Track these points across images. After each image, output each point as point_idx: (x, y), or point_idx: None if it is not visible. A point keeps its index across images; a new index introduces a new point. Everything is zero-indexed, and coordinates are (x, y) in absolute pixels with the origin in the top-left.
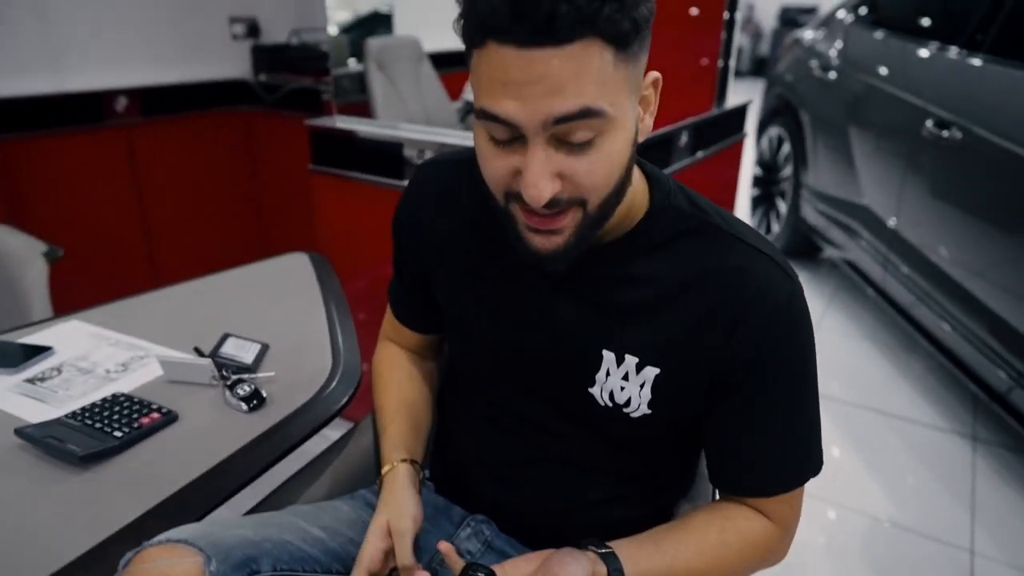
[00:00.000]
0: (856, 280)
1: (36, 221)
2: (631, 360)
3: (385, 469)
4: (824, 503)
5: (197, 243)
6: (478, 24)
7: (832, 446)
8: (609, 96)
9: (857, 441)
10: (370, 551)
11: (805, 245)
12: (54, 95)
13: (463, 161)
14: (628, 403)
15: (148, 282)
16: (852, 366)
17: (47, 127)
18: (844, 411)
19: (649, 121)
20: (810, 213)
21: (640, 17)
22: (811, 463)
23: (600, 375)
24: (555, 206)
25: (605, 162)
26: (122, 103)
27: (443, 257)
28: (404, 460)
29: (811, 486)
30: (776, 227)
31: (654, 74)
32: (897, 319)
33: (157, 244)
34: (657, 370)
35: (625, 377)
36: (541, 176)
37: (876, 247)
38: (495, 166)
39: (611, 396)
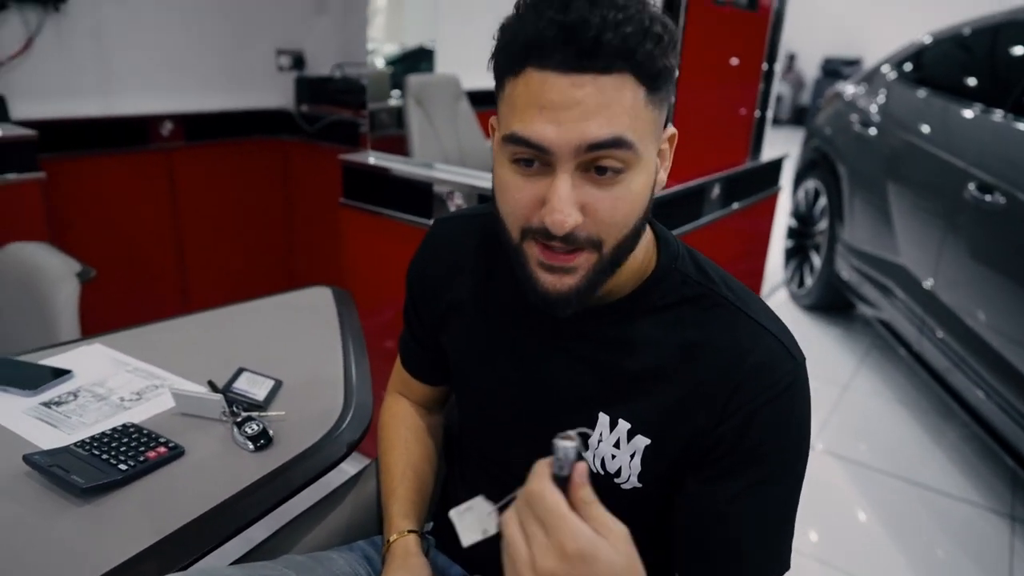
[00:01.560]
0: (890, 340)
1: (74, 240)
2: (623, 426)
3: (393, 538)
4: (846, 574)
5: (228, 269)
6: (520, 49)
7: (858, 511)
8: (638, 132)
9: (884, 510)
10: None
11: (838, 300)
12: (103, 118)
13: (476, 217)
14: (619, 473)
15: (177, 305)
16: (882, 430)
17: (94, 148)
18: (871, 477)
19: (663, 176)
20: (844, 268)
21: (670, 64)
22: (780, 562)
23: (593, 439)
24: (572, 242)
25: (627, 199)
26: (167, 128)
27: (451, 312)
28: (412, 531)
29: (834, 555)
30: (809, 281)
31: (672, 129)
32: (931, 384)
33: (189, 268)
34: (648, 440)
35: (617, 444)
36: (567, 202)
37: (911, 308)
38: (517, 197)
39: (603, 464)
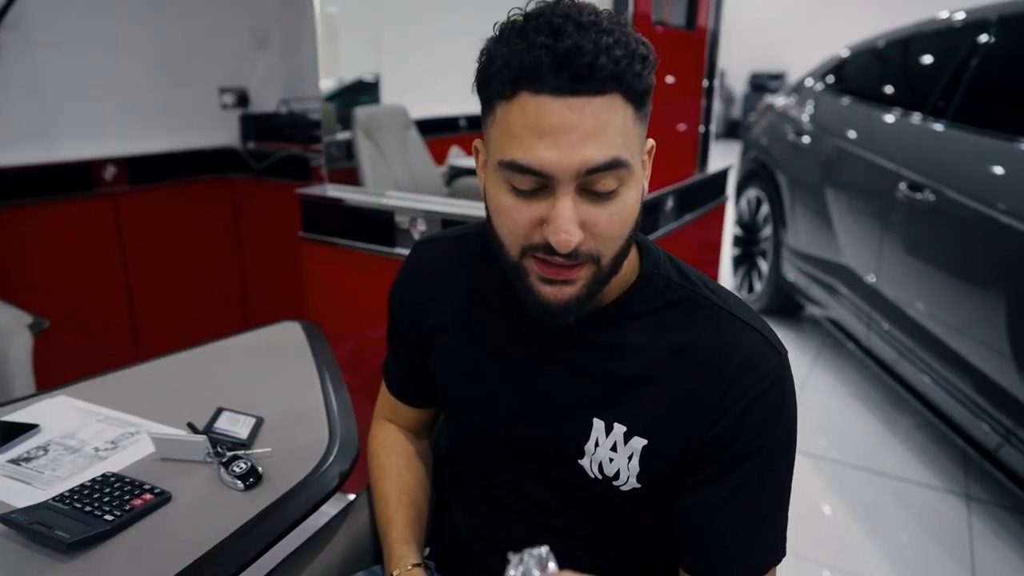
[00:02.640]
0: (840, 338)
1: (21, 291)
2: (619, 429)
3: (396, 573)
4: (819, 565)
5: (181, 312)
6: (513, 75)
7: (824, 505)
8: (630, 149)
9: (849, 501)
10: None
11: (787, 303)
12: (43, 165)
13: (457, 237)
14: (617, 476)
15: (131, 353)
16: (840, 424)
17: (35, 196)
18: (834, 470)
19: (645, 185)
20: (791, 272)
21: (651, 83)
22: (778, 550)
23: (589, 445)
24: (575, 258)
25: (623, 213)
26: (110, 172)
27: (437, 332)
28: (417, 565)
29: (805, 548)
30: (758, 286)
31: (651, 141)
32: (883, 376)
33: (141, 314)
34: (644, 441)
35: (614, 448)
36: (572, 222)
37: (857, 304)
38: (516, 219)
39: (600, 468)
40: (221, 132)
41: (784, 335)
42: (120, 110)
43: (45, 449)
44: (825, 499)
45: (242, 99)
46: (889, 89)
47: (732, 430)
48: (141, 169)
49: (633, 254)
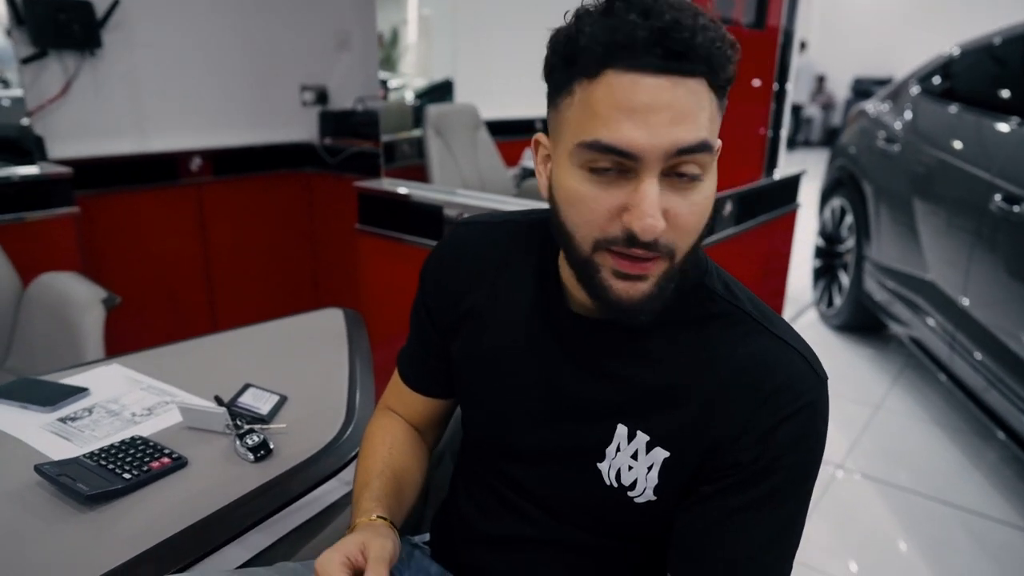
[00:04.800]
0: (923, 360)
1: (109, 269)
2: (642, 438)
3: (359, 520)
4: None
5: (255, 296)
6: (603, 50)
7: (897, 540)
8: (714, 136)
9: (924, 535)
10: (331, 563)
11: (869, 320)
12: (135, 155)
13: (500, 224)
14: (634, 486)
15: (207, 331)
16: (918, 452)
17: (127, 184)
18: (909, 501)
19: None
20: (874, 287)
21: (734, 74)
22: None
23: (610, 449)
24: (654, 249)
25: (702, 205)
26: (196, 163)
27: (468, 318)
28: (383, 518)
29: None
30: (838, 300)
31: (719, 141)
32: (968, 404)
33: (217, 295)
34: (667, 453)
35: (634, 456)
36: (657, 207)
37: (943, 325)
38: (593, 208)
39: (618, 476)
40: (301, 128)
41: (864, 353)
42: (208, 106)
43: (90, 411)
44: (896, 530)
45: (321, 96)
46: (1004, 93)
47: (757, 447)
48: (224, 161)
49: None
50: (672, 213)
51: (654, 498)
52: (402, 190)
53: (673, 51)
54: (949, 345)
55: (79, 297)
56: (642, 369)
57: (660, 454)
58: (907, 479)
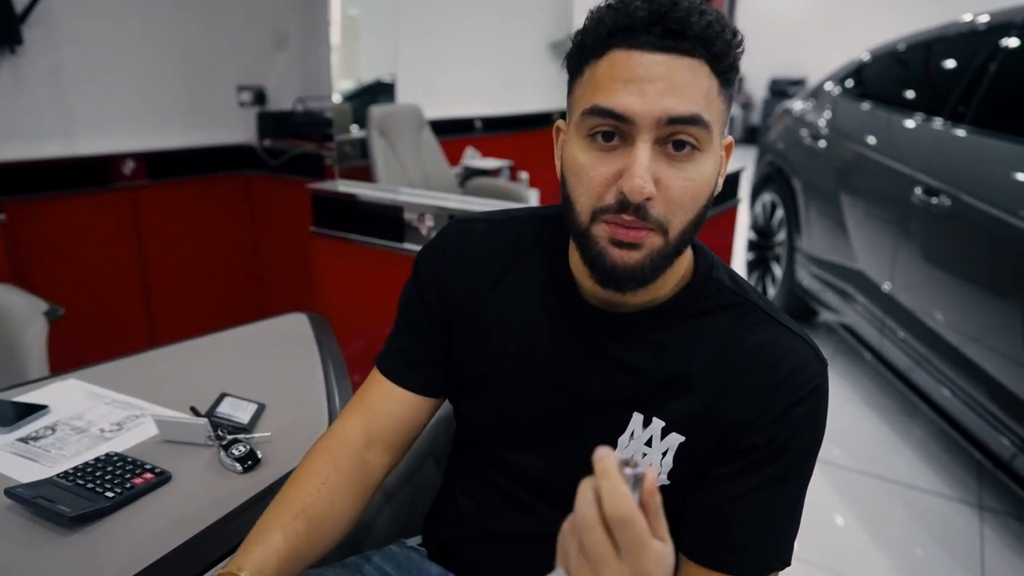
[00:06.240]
0: (853, 344)
1: (42, 280)
2: (658, 424)
3: (229, 568)
4: (826, 571)
5: (196, 305)
6: (606, 33)
7: (835, 514)
8: (712, 115)
9: (860, 509)
10: None
11: (801, 309)
12: (64, 158)
13: (500, 221)
14: None
15: (146, 342)
16: (852, 431)
17: (56, 189)
18: (846, 477)
19: (719, 182)
20: (805, 277)
21: (738, 65)
22: (785, 554)
23: (624, 438)
24: (644, 216)
25: (696, 180)
26: (129, 166)
27: (471, 310)
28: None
29: (812, 554)
30: (772, 291)
31: (729, 137)
32: (896, 383)
33: (157, 305)
34: (682, 438)
35: (648, 443)
36: (646, 169)
37: (872, 311)
38: (592, 175)
39: None
40: (238, 129)
41: None
42: (140, 106)
43: (53, 429)
44: (834, 505)
45: (259, 97)
46: (909, 93)
47: (770, 430)
48: (160, 164)
49: (688, 255)
50: (664, 184)
51: (668, 482)
52: (362, 192)
53: (670, 30)
54: (878, 329)
55: (17, 310)
56: (657, 358)
57: (676, 439)
58: (843, 457)
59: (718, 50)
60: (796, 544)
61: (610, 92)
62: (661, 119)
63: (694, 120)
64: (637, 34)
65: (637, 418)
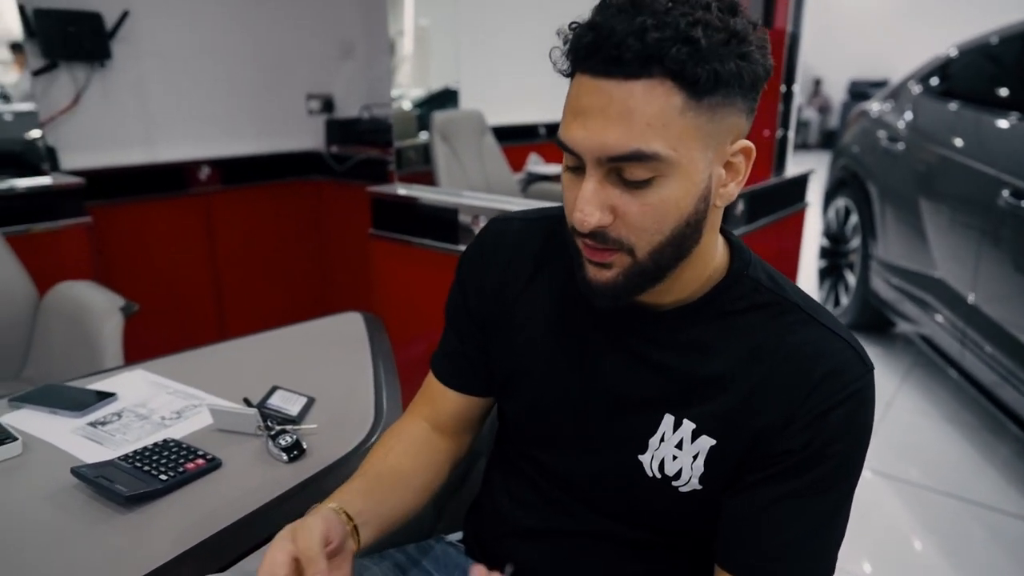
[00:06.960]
0: (932, 357)
1: (120, 278)
2: (688, 426)
3: (315, 507)
4: None
5: (264, 303)
6: (572, 55)
7: (912, 536)
8: (671, 141)
9: (938, 532)
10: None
11: (876, 319)
12: (145, 165)
13: (537, 219)
14: (678, 475)
15: (216, 339)
16: (930, 448)
17: (137, 194)
18: (923, 497)
19: (734, 189)
20: (880, 286)
21: (725, 71)
22: (824, 566)
23: (654, 440)
24: (601, 240)
25: (658, 206)
26: (204, 172)
27: (509, 311)
28: (334, 509)
29: (882, 574)
30: (845, 300)
31: (744, 142)
32: (980, 399)
33: (226, 303)
34: (713, 441)
35: (679, 446)
36: (589, 202)
37: (953, 322)
38: (568, 197)
39: (661, 466)
40: (307, 136)
41: (872, 352)
42: (215, 115)
43: (119, 415)
44: (910, 527)
45: (327, 105)
46: (1002, 91)
47: (806, 435)
48: (232, 170)
49: (723, 253)
50: (621, 210)
51: (699, 487)
52: (418, 194)
53: (608, 56)
54: (960, 341)
55: (98, 305)
56: (689, 359)
57: (706, 442)
58: (919, 475)
59: (671, 63)
60: (866, 565)
61: (566, 123)
62: (601, 156)
63: (632, 157)
64: (584, 59)
65: (668, 420)
